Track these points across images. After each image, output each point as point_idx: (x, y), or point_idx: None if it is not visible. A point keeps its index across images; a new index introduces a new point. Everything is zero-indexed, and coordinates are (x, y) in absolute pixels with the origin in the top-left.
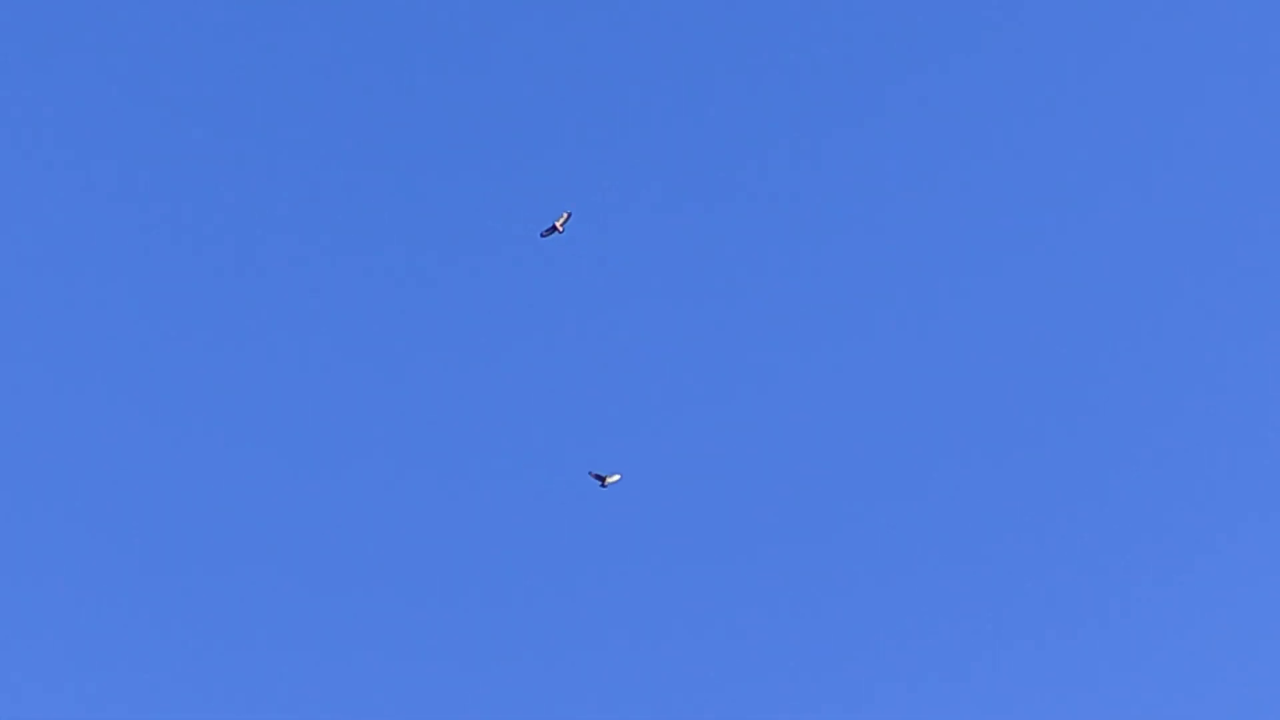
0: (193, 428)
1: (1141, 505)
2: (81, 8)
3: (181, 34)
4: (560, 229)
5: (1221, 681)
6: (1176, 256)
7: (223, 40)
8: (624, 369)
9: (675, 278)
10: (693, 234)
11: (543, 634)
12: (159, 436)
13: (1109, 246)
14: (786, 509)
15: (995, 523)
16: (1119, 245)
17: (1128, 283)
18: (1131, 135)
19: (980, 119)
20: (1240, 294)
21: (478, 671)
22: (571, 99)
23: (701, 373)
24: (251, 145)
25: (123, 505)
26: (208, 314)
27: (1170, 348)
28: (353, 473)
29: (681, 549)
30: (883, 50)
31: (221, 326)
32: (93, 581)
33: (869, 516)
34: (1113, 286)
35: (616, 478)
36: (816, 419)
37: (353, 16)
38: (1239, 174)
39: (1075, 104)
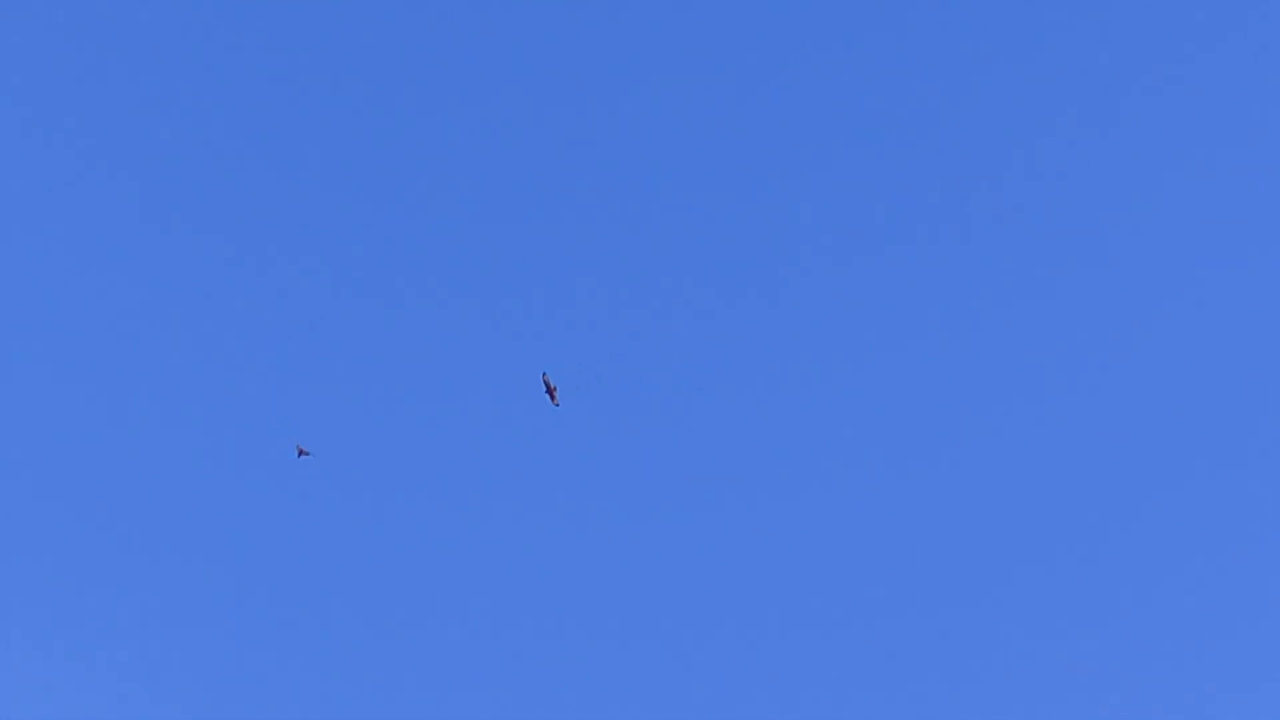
0: (190, 430)
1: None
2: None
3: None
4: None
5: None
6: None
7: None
8: (634, 371)
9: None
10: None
11: (542, 635)
12: (160, 437)
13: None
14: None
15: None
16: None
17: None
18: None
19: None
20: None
21: (476, 673)
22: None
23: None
24: (246, 149)
25: (120, 507)
26: (205, 317)
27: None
28: (351, 477)
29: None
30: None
31: (217, 330)
32: (86, 584)
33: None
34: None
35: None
36: (817, 423)
37: (351, 20)
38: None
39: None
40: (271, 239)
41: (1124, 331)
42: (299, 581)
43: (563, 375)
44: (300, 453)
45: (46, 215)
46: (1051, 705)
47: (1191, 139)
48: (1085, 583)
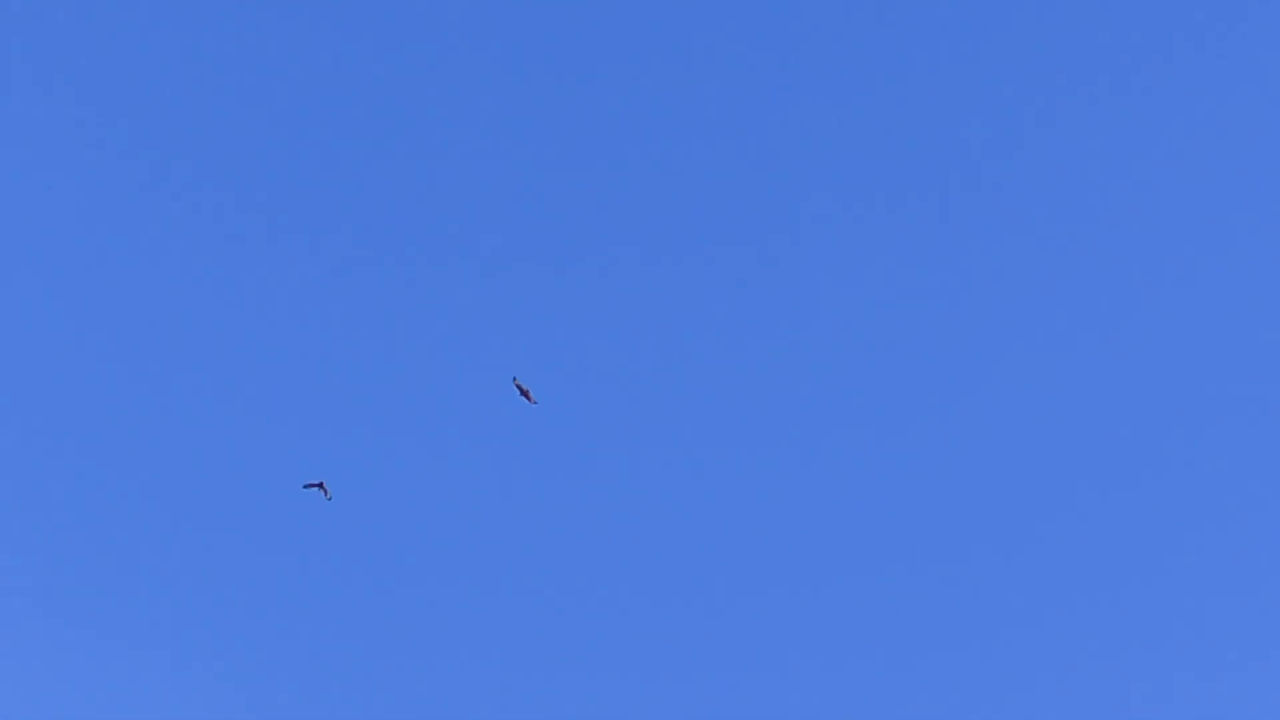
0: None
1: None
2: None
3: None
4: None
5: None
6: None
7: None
8: (630, 373)
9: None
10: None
11: (542, 635)
12: (168, 435)
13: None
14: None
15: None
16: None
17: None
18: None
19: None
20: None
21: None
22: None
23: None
24: (251, 147)
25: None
26: (207, 312)
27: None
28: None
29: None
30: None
31: (220, 326)
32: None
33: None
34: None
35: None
36: (818, 425)
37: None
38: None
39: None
40: (257, 236)
41: (1113, 320)
42: (292, 578)
43: (538, 373)
44: (320, 489)
45: (44, 214)
46: (1044, 700)
47: (1186, 106)
48: (1079, 576)
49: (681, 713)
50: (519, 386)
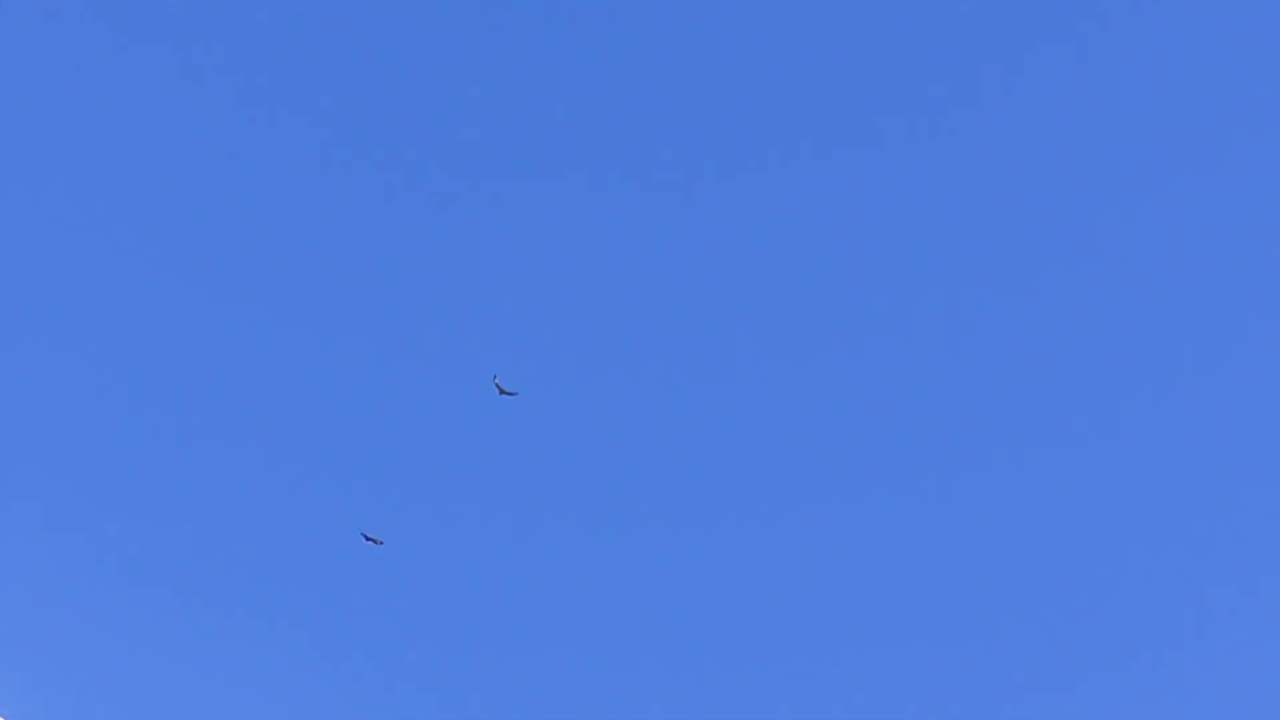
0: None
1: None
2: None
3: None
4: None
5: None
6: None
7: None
8: (623, 368)
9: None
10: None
11: (541, 634)
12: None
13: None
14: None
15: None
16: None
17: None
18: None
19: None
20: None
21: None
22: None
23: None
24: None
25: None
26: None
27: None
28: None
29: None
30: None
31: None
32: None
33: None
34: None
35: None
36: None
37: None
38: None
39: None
40: (243, 240)
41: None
42: (288, 575)
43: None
44: (368, 540)
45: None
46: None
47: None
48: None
49: (668, 707)
50: (498, 385)
